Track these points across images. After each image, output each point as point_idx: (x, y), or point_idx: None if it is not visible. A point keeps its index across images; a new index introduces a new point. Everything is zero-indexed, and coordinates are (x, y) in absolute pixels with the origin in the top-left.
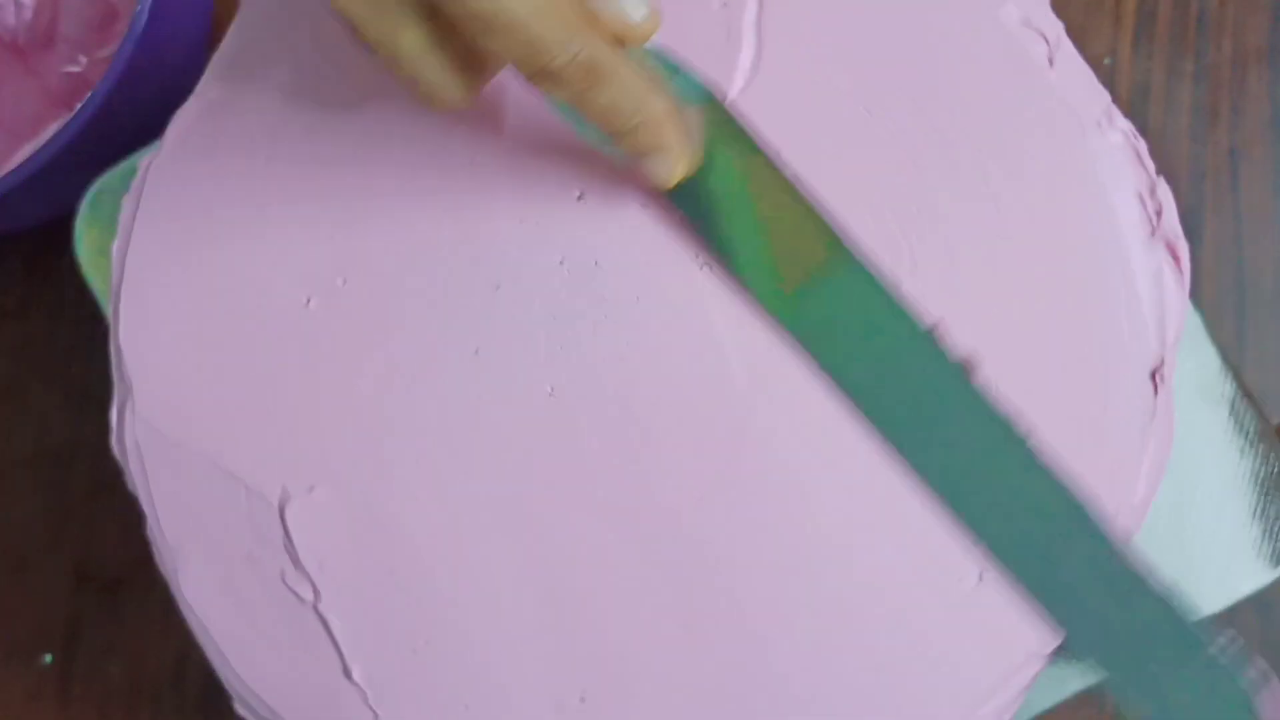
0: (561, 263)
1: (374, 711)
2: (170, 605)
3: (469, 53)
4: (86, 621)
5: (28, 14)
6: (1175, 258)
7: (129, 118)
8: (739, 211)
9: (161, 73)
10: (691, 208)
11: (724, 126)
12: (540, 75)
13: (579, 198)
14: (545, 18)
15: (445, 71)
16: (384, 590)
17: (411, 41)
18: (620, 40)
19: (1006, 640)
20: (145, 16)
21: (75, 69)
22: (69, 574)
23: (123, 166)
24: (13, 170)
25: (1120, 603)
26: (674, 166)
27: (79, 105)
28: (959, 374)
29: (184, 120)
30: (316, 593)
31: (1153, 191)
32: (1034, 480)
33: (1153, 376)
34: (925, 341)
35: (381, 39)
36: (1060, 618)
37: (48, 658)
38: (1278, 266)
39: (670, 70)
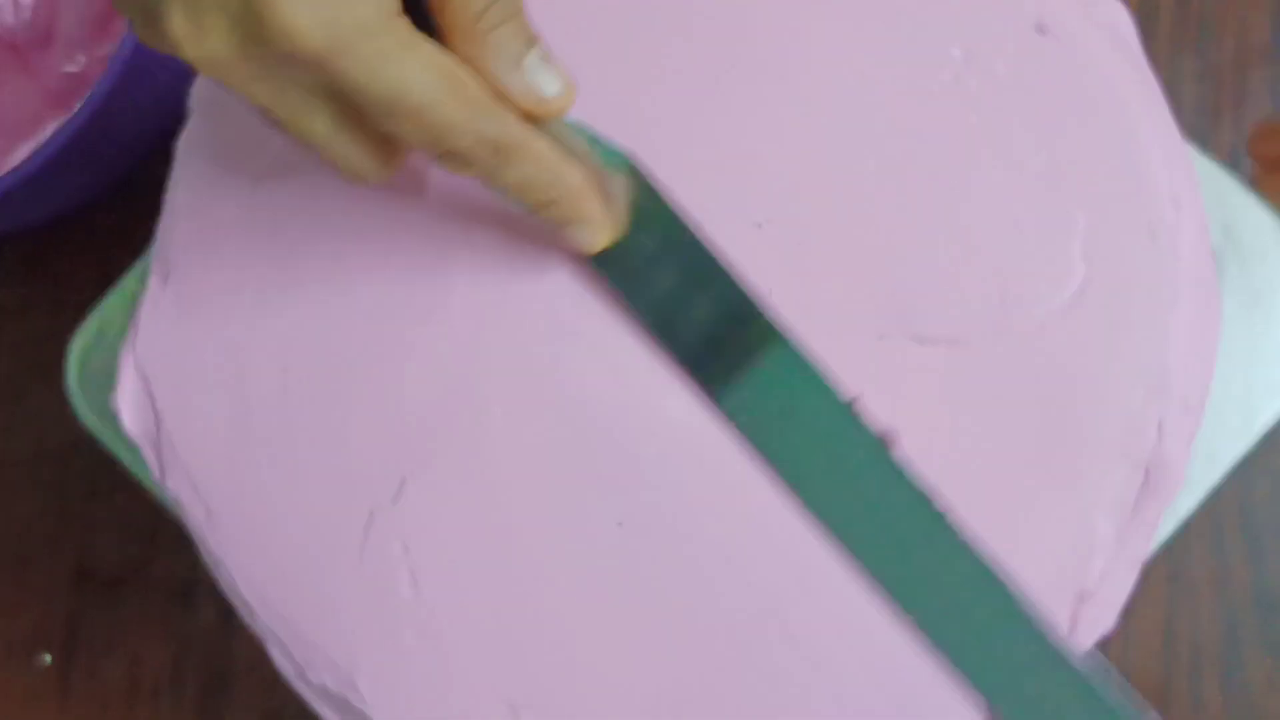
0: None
1: None
2: (169, 605)
3: (379, 132)
4: (86, 621)
5: (27, 13)
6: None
7: (128, 117)
8: (661, 280)
9: (161, 72)
10: (616, 276)
11: (649, 196)
12: (446, 157)
13: (759, 225)
14: (447, 100)
15: (358, 151)
16: None
17: (320, 125)
18: (532, 116)
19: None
20: None
21: (74, 68)
22: (68, 573)
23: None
24: (12, 170)
25: (1038, 676)
26: (595, 236)
27: (78, 105)
28: (879, 448)
29: None
30: None
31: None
32: (953, 554)
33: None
34: (846, 415)
35: (289, 122)
36: (983, 691)
37: (47, 657)
38: None
39: (591, 140)
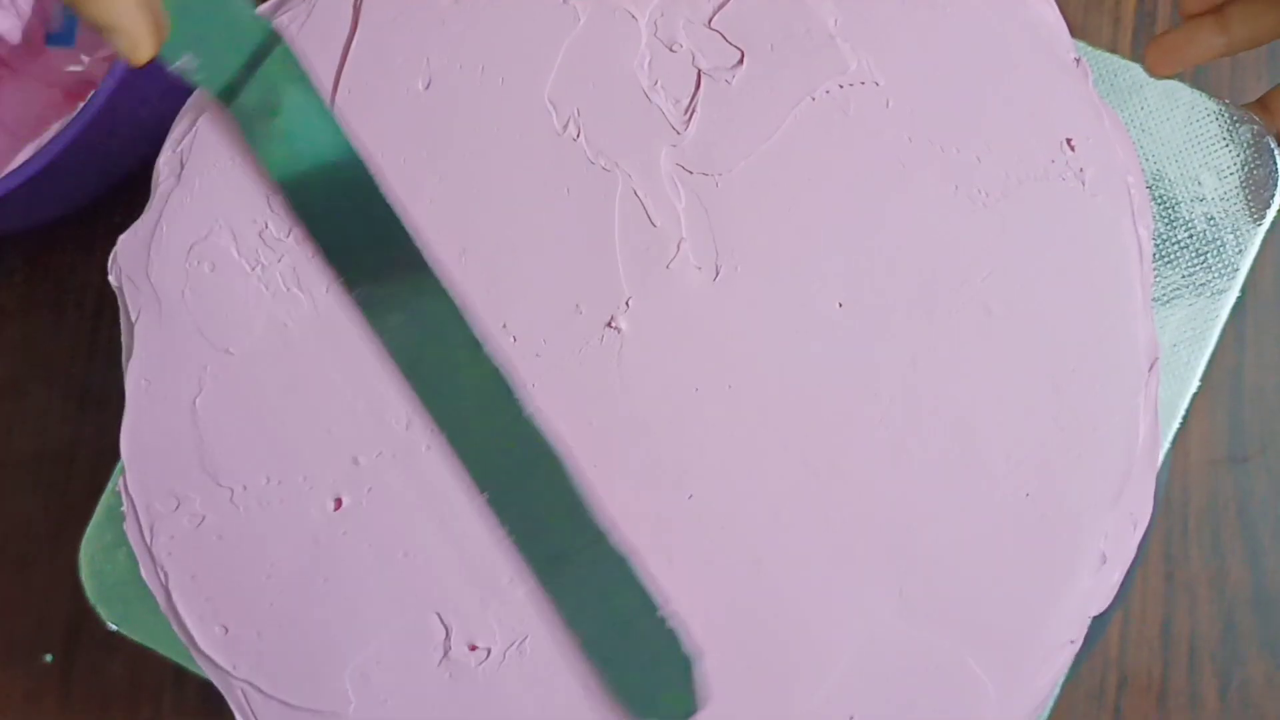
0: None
1: None
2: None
3: None
4: (87, 621)
5: (29, 14)
6: None
7: (132, 116)
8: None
9: (164, 71)
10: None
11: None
12: None
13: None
14: None
15: None
16: None
17: None
18: None
19: None
20: None
21: (77, 68)
22: (69, 573)
23: None
24: (16, 170)
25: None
26: (130, 50)
27: (81, 105)
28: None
29: None
30: None
31: None
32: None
33: None
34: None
35: None
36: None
37: (48, 657)
38: (1278, 266)
39: None
